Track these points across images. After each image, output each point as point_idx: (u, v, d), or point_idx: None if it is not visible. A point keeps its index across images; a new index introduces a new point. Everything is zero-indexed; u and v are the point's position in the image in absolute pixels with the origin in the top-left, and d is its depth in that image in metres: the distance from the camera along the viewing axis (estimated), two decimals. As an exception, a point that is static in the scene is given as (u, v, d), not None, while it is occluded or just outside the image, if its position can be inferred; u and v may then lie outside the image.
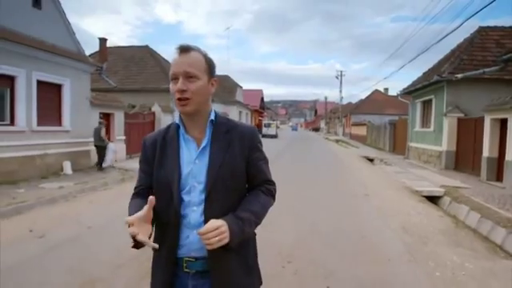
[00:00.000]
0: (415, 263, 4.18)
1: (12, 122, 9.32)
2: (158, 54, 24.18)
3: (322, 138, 46.33)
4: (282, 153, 20.21)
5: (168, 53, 24.67)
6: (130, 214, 1.29)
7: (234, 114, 34.41)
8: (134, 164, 13.24)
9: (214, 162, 1.34)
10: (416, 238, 5.12)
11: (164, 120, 17.75)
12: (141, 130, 16.06)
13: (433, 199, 8.80)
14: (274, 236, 4.82)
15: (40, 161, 10.06)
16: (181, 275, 1.35)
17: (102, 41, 22.25)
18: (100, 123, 11.79)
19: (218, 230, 1.21)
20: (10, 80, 9.19)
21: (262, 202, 1.42)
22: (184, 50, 1.35)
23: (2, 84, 9.03)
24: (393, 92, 38.92)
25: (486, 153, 10.50)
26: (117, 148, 13.90)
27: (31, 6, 9.78)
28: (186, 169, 1.36)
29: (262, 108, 53.87)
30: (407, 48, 72.59)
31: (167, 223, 1.34)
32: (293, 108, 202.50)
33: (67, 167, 10.89)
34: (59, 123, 10.97)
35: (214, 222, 1.22)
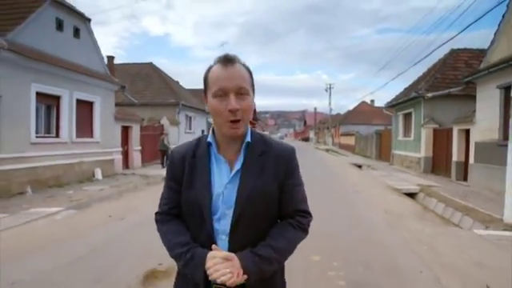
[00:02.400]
0: (392, 229, 6.11)
1: (57, 135, 11.00)
2: (162, 71, 25.96)
3: (312, 147, 48.45)
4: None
5: (157, 64, 26.37)
6: (172, 241, 1.28)
7: (229, 125, 36.21)
8: (150, 171, 15.00)
9: (244, 188, 1.22)
10: (393, 216, 7.06)
11: (171, 131, 19.50)
12: (152, 141, 17.79)
13: (411, 195, 10.76)
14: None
15: (78, 168, 11.71)
16: None
17: (110, 59, 23.90)
18: (165, 134, 17.08)
19: (228, 263, 1.14)
20: (56, 99, 10.90)
21: (288, 237, 1.27)
22: (230, 60, 1.22)
23: (51, 102, 10.73)
24: (379, 103, 41.48)
25: (454, 158, 12.56)
26: (134, 156, 15.66)
27: (72, 36, 11.56)
28: (216, 191, 1.24)
29: (255, 119, 55.82)
30: (394, 59, 75.83)
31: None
32: (281, 118, 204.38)
33: (98, 173, 12.55)
34: (91, 135, 12.65)
35: (223, 255, 1.17)
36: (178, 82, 28.41)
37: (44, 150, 10.17)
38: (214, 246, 1.21)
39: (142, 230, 5.68)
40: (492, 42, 10.50)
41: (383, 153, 23.55)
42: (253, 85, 1.27)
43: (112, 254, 4.69)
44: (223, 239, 1.23)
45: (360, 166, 20.18)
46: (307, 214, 1.35)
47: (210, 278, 1.15)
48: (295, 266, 4.10)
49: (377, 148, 25.17)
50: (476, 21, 10.77)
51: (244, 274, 1.15)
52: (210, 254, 1.18)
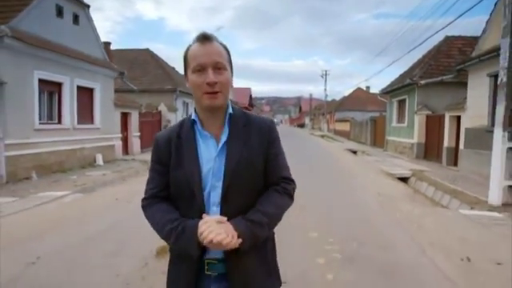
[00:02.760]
0: (384, 209, 6.52)
1: (59, 121, 11.22)
2: (159, 57, 25.97)
3: (307, 133, 48.83)
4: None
5: (153, 49, 26.43)
6: (161, 221, 1.29)
7: (226, 111, 36.46)
8: (150, 156, 15.22)
9: (231, 159, 1.27)
10: (386, 198, 7.48)
11: (169, 118, 19.72)
12: (150, 127, 18.02)
13: (403, 179, 11.18)
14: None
15: (80, 153, 11.97)
16: (203, 278, 1.29)
17: (107, 45, 23.84)
18: (168, 121, 17.94)
19: (223, 226, 1.17)
20: (58, 86, 11.08)
21: (275, 202, 1.32)
22: (207, 38, 1.26)
23: (52, 89, 10.91)
24: (374, 89, 41.71)
25: (446, 143, 12.99)
26: (133, 142, 15.93)
27: (72, 23, 11.66)
28: (205, 167, 1.28)
29: (250, 105, 56.09)
30: (390, 45, 75.74)
31: None
32: (277, 104, 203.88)
33: (99, 159, 12.83)
34: (92, 121, 12.87)
35: (215, 217, 1.20)
36: (174, 68, 28.45)
37: (47, 136, 10.41)
38: (204, 214, 1.22)
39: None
40: (484, 31, 10.79)
41: (378, 139, 23.97)
42: (230, 62, 1.33)
43: (124, 232, 5.04)
44: (214, 210, 1.27)
45: (355, 152, 20.60)
46: (291, 181, 1.42)
47: (204, 241, 1.14)
48: (295, 241, 4.49)
49: (371, 134, 25.57)
50: (471, 8, 11.00)
51: (238, 237, 1.17)
52: (202, 220, 1.19)
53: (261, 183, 1.35)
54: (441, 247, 4.52)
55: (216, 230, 1.14)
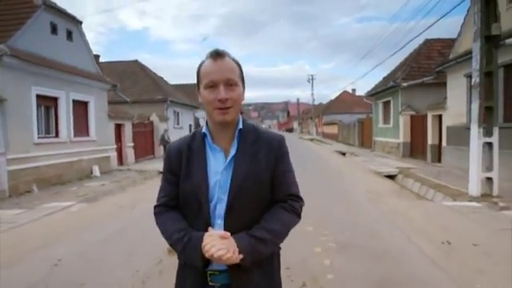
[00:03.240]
0: (372, 204, 7.07)
1: (57, 135, 11.51)
2: (147, 68, 26.31)
3: (296, 137, 49.46)
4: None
5: (139, 59, 26.79)
6: (170, 229, 1.34)
7: (215, 119, 36.92)
8: (145, 166, 15.61)
9: (238, 173, 1.30)
10: (374, 194, 8.01)
11: (161, 127, 20.06)
12: (143, 138, 18.36)
13: (391, 177, 11.75)
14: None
15: (77, 165, 12.24)
16: (206, 287, 1.32)
17: (96, 57, 24.13)
18: (165, 130, 18.31)
19: (225, 242, 1.20)
20: (54, 100, 11.38)
21: (281, 219, 1.34)
22: (220, 55, 1.30)
23: (49, 104, 11.21)
24: (360, 92, 42.61)
25: (429, 141, 13.65)
26: (127, 153, 16.24)
27: (66, 39, 12.00)
28: (212, 180, 1.31)
29: (240, 112, 56.48)
30: (374, 48, 77.26)
31: None
32: (265, 110, 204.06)
33: (96, 170, 13.10)
34: (88, 134, 13.16)
35: (219, 232, 1.23)
36: (162, 78, 28.78)
37: (46, 149, 10.68)
38: (209, 228, 1.28)
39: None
40: (459, 34, 11.50)
41: (365, 140, 24.66)
42: (242, 77, 1.36)
43: (134, 235, 5.42)
44: (219, 223, 1.30)
45: (344, 154, 21.21)
46: (299, 199, 1.42)
47: (206, 254, 1.19)
48: (294, 235, 4.93)
49: (359, 136, 26.27)
50: (451, 10, 11.70)
51: (240, 253, 1.20)
52: (207, 233, 1.24)
53: (267, 199, 1.36)
54: (424, 234, 5.02)
55: (218, 244, 1.18)
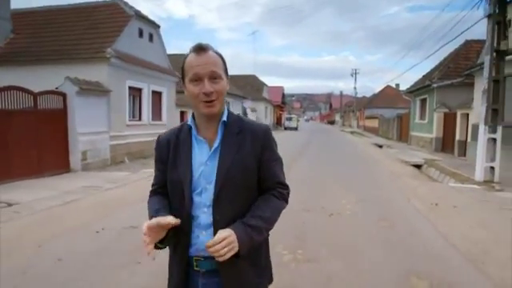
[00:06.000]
0: (391, 181, 9.09)
1: (140, 118, 14.37)
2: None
3: (337, 130, 50.85)
4: (309, 142, 24.95)
5: (182, 48, 29.23)
6: (149, 212, 1.39)
7: (261, 108, 39.40)
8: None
9: (223, 163, 1.34)
10: (395, 175, 10.02)
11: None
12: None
13: (418, 166, 13.47)
14: (323, 172, 9.66)
15: (153, 144, 15.07)
16: (192, 274, 1.38)
17: (159, 51, 27.26)
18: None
19: (226, 241, 1.22)
20: (139, 91, 14.22)
21: (272, 206, 1.41)
22: (202, 49, 1.33)
23: (136, 94, 14.06)
24: (405, 85, 43.00)
25: (457, 137, 15.09)
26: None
27: (148, 41, 14.78)
28: (197, 170, 1.36)
29: (283, 103, 58.58)
30: (424, 39, 74.37)
31: (181, 223, 1.32)
32: (307, 101, 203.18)
33: (166, 149, 15.91)
34: (160, 119, 15.99)
35: (221, 233, 1.23)
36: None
37: (133, 130, 13.55)
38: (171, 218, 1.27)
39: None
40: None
41: (403, 134, 25.90)
42: (226, 70, 1.38)
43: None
44: (205, 211, 1.35)
45: (381, 146, 22.76)
46: (286, 186, 1.49)
47: (219, 259, 1.22)
48: (332, 194, 7.16)
49: (397, 130, 27.50)
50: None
51: (239, 245, 1.24)
52: (148, 222, 1.26)
53: (254, 188, 1.41)
54: (421, 199, 7.04)
55: (226, 246, 1.21)
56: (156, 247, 1.33)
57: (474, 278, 3.60)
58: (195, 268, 1.36)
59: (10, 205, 6.42)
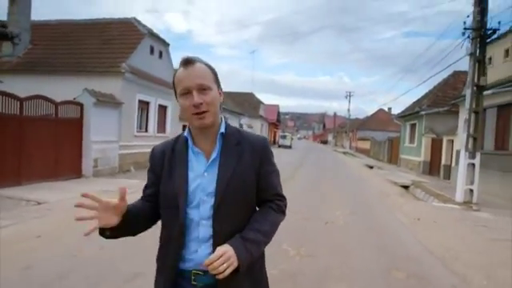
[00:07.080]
0: (380, 199, 9.96)
1: (146, 130, 15.18)
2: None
3: (330, 149, 52.04)
4: (303, 160, 25.87)
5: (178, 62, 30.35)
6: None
7: (257, 126, 40.41)
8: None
9: (223, 175, 1.33)
10: (383, 194, 10.91)
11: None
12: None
13: (405, 187, 14.40)
14: (318, 188, 10.51)
15: (157, 155, 15.83)
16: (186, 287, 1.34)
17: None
18: None
19: (224, 257, 1.20)
20: (147, 104, 15.07)
21: (271, 220, 1.41)
22: (190, 62, 1.33)
23: (144, 107, 14.90)
24: (397, 110, 44.56)
25: (443, 161, 16.13)
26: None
27: (158, 57, 15.73)
28: (193, 182, 1.34)
29: (278, 121, 59.80)
30: (418, 65, 77.02)
31: (172, 236, 1.34)
32: (301, 120, 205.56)
33: (168, 160, 16.67)
34: (164, 131, 16.80)
35: (218, 250, 1.22)
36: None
37: (140, 140, 14.33)
38: (121, 187, 1.30)
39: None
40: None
41: (393, 157, 27.01)
42: (217, 80, 1.38)
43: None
44: (204, 224, 1.32)
45: (371, 167, 23.76)
46: (283, 198, 1.50)
47: (219, 277, 1.21)
48: (326, 207, 8.00)
49: (388, 152, 28.62)
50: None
51: (238, 261, 1.23)
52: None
53: (253, 199, 1.41)
54: (406, 215, 7.92)
55: (226, 262, 1.21)
56: (103, 234, 1.32)
57: (442, 274, 4.45)
58: (192, 283, 1.33)
59: (39, 203, 7.13)
